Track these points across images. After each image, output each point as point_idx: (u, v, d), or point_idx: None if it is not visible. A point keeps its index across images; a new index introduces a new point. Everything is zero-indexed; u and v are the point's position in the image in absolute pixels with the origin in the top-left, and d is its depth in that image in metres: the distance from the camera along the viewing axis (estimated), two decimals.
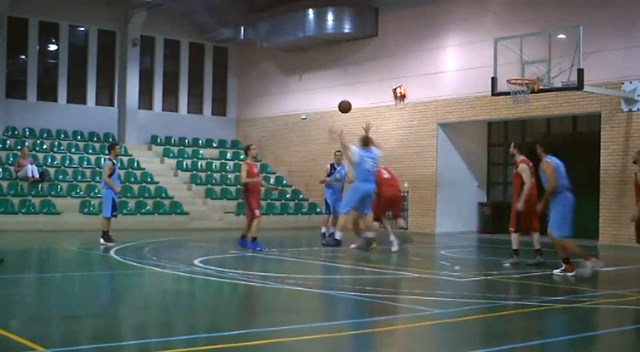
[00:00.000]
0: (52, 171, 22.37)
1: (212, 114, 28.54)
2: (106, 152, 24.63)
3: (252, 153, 14.65)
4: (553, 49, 15.92)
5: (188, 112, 27.98)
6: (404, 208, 21.95)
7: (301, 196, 25.18)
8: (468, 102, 20.63)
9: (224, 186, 24.71)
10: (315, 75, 25.50)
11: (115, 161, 15.47)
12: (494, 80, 16.83)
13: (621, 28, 17.64)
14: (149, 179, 23.79)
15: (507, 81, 16.19)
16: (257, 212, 14.30)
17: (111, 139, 25.91)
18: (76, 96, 25.79)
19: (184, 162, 25.64)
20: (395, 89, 22.40)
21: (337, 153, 16.78)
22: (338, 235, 14.65)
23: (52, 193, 21.28)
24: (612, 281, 11.53)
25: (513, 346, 6.47)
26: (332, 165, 16.74)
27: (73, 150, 24.50)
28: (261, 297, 9.35)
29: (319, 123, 25.06)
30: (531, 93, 16.16)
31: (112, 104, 26.45)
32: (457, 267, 12.14)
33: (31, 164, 21.37)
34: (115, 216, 15.56)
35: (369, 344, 6.68)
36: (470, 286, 10.34)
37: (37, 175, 21.23)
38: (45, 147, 24.18)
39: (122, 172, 23.40)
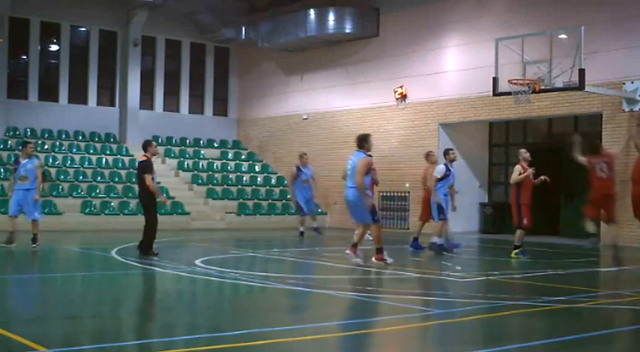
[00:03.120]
0: (53, 171, 22.38)
1: (213, 114, 28.55)
2: (107, 152, 24.80)
3: (431, 159, 15.16)
4: (554, 49, 15.92)
5: (189, 112, 27.99)
6: (406, 208, 21.99)
7: None
8: (469, 102, 20.63)
9: (225, 187, 24.72)
10: (316, 75, 25.51)
11: (22, 160, 14.36)
12: (495, 80, 16.83)
13: (622, 28, 17.63)
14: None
15: (509, 81, 16.18)
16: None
17: (112, 139, 25.94)
18: (78, 96, 25.82)
19: (185, 163, 25.64)
20: (395, 89, 22.42)
21: (304, 155, 18.10)
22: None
23: (53, 193, 21.30)
24: (612, 282, 11.54)
25: (514, 346, 6.46)
26: (298, 167, 17.57)
27: (74, 150, 24.52)
28: (262, 297, 9.35)
29: (320, 124, 25.07)
30: (532, 93, 16.16)
31: (113, 104, 26.46)
32: (458, 267, 12.14)
33: None
34: (12, 216, 14.49)
35: (369, 344, 6.67)
36: (471, 286, 10.35)
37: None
38: (46, 147, 24.20)
39: (123, 172, 23.48)
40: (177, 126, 27.27)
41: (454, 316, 7.79)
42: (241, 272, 11.26)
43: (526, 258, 13.38)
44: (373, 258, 11.81)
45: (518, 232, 13.63)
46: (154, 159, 13.57)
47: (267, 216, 23.52)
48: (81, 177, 22.65)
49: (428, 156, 15.36)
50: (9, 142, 23.69)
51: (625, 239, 16.80)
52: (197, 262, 12.01)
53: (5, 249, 13.89)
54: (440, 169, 14.29)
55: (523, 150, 13.99)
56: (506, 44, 16.65)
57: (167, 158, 25.65)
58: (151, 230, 13.09)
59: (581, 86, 15.64)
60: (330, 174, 23.14)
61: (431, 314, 7.91)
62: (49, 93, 25.48)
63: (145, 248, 13.03)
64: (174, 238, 17.52)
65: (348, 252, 11.96)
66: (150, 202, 13.07)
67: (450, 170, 14.33)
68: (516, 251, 13.59)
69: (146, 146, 13.39)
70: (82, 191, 21.87)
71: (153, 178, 13.10)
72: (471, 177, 22.13)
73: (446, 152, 14.95)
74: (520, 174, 13.51)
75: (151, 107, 27.15)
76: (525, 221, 13.48)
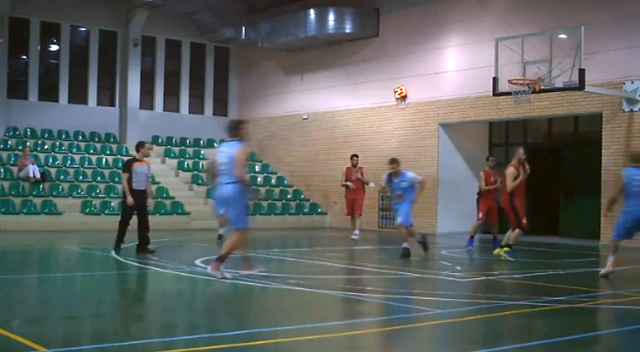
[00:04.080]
0: (53, 171, 22.38)
1: (213, 114, 28.54)
2: (107, 152, 24.81)
3: (490, 164, 15.78)
4: (554, 49, 15.93)
5: (189, 112, 27.98)
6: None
7: (302, 196, 25.19)
8: (469, 102, 20.63)
9: None
10: (316, 75, 25.51)
11: None
12: (495, 80, 16.83)
13: (622, 28, 17.63)
14: (150, 179, 23.75)
15: (509, 81, 16.18)
16: (481, 215, 15.59)
17: (112, 139, 25.95)
18: (78, 96, 25.81)
19: (185, 163, 25.64)
20: (395, 89, 22.41)
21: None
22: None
23: (53, 193, 21.30)
24: (613, 282, 11.53)
25: (514, 346, 6.46)
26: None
27: (74, 150, 24.51)
28: (262, 297, 9.35)
29: (320, 124, 25.07)
30: (532, 93, 16.16)
31: (113, 104, 26.45)
32: (458, 267, 12.14)
33: (33, 164, 21.37)
34: None
35: (369, 345, 6.67)
36: (471, 286, 10.35)
37: (38, 176, 21.23)
38: (46, 147, 24.20)
39: None
40: (177, 126, 27.26)
41: (454, 316, 7.79)
42: (241, 272, 11.24)
43: (510, 258, 13.05)
44: (209, 267, 10.19)
45: (516, 232, 13.19)
46: (149, 159, 13.80)
47: (267, 216, 23.50)
48: (81, 177, 22.64)
49: (488, 160, 15.95)
50: (9, 142, 23.68)
51: (626, 239, 16.77)
52: (197, 262, 12.01)
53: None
54: (383, 179, 14.07)
55: (521, 151, 13.47)
56: (506, 44, 16.65)
57: (167, 158, 25.65)
58: (119, 226, 13.69)
59: (581, 86, 15.64)
60: (330, 174, 23.19)
61: (431, 314, 7.91)
62: (49, 93, 25.47)
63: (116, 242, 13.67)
64: (174, 238, 17.52)
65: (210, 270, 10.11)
66: (125, 200, 13.59)
67: (391, 181, 13.65)
68: (506, 249, 13.19)
69: (138, 146, 14.02)
70: (82, 191, 21.86)
71: (131, 178, 13.56)
72: (471, 177, 22.09)
73: (487, 159, 16.04)
74: (515, 178, 13.21)
75: (151, 107, 27.14)
76: (525, 221, 13.31)
